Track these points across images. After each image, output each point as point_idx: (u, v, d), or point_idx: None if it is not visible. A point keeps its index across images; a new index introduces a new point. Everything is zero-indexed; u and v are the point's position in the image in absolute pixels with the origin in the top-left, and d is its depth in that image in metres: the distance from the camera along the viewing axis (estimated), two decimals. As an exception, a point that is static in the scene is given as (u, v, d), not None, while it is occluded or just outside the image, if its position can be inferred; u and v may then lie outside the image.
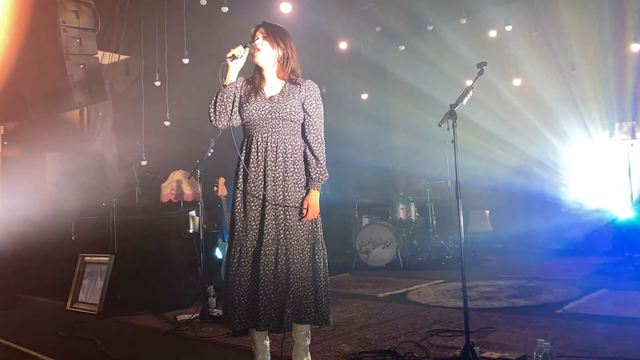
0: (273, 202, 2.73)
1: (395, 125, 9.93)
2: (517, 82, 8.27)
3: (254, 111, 2.79)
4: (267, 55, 2.81)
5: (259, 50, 2.79)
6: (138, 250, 5.19)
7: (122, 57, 7.72)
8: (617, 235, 7.12)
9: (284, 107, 2.77)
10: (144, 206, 6.83)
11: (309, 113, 2.83)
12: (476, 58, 3.32)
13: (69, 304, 5.36)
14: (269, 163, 2.75)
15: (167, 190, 6.74)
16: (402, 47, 9.12)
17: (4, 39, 6.14)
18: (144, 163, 7.10)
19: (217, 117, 2.81)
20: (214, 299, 4.49)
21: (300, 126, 2.85)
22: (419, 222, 7.58)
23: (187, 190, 6.64)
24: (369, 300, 4.93)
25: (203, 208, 4.81)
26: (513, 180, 8.19)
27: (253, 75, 2.91)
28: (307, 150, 2.83)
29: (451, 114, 2.97)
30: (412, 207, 7.53)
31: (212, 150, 4.81)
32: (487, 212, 8.21)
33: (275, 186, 2.74)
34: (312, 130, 2.82)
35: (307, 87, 2.84)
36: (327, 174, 2.83)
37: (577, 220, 7.47)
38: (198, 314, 4.35)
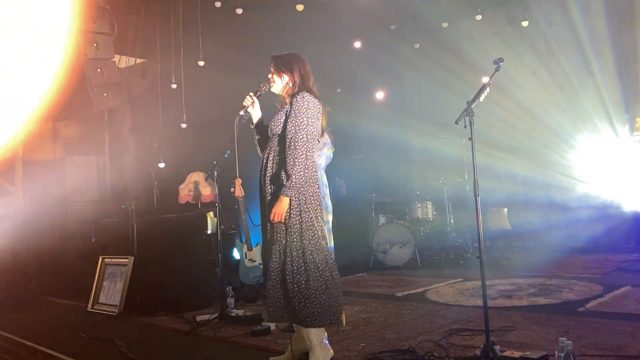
0: (267, 212, 2.99)
1: (412, 124, 9.86)
2: (535, 77, 8.17)
3: (266, 134, 3.19)
4: (277, 85, 3.20)
5: (273, 82, 3.20)
6: (157, 252, 5.24)
7: (139, 60, 7.80)
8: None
9: (270, 124, 3.11)
10: (162, 208, 6.89)
11: (288, 122, 2.98)
12: (492, 54, 3.28)
13: (90, 305, 5.43)
14: (262, 178, 3.08)
15: (185, 192, 6.79)
16: (417, 45, 9.06)
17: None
18: (161, 165, 7.17)
19: (261, 153, 3.24)
20: (233, 300, 4.52)
21: None
22: (436, 221, 7.52)
23: (205, 192, 6.68)
24: (387, 300, 4.91)
25: (220, 209, 4.85)
26: (532, 177, 8.09)
27: None
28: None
29: (468, 112, 2.94)
30: (429, 206, 7.47)
31: (229, 152, 4.85)
32: (506, 210, 8.11)
33: (269, 198, 3.02)
34: (287, 140, 2.96)
35: (294, 99, 3.03)
36: (297, 183, 2.88)
37: (598, 217, 7.35)
38: (217, 314, 4.38)
